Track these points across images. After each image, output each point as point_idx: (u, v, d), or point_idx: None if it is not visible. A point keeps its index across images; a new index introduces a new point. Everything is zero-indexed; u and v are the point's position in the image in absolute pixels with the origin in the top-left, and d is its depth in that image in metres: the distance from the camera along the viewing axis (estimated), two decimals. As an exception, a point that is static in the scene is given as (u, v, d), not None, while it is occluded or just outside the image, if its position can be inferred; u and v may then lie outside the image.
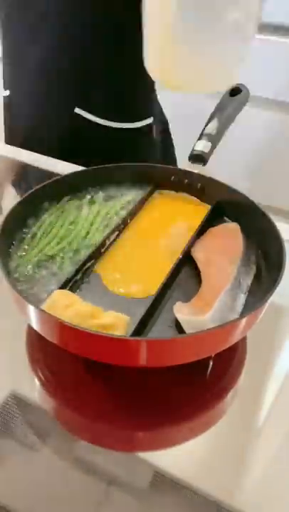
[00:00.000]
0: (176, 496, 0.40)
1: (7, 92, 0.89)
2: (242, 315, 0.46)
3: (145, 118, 0.87)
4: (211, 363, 0.51)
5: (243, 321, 0.43)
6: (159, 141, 0.91)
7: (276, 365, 0.53)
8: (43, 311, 0.41)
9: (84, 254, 0.53)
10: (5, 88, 0.89)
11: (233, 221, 0.61)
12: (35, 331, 0.45)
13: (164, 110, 0.92)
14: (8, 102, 0.89)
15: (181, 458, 0.43)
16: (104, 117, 0.83)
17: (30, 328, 0.51)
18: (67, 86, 0.79)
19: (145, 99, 0.87)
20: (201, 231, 0.58)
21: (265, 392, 0.49)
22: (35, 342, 0.51)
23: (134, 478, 0.41)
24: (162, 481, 0.41)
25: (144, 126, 0.87)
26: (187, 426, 0.46)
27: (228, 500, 0.40)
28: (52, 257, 0.54)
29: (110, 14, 0.74)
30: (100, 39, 0.75)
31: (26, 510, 0.39)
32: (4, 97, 0.90)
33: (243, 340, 0.53)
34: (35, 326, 0.44)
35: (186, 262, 0.54)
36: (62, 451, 0.44)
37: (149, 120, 0.87)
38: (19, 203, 0.56)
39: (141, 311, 0.45)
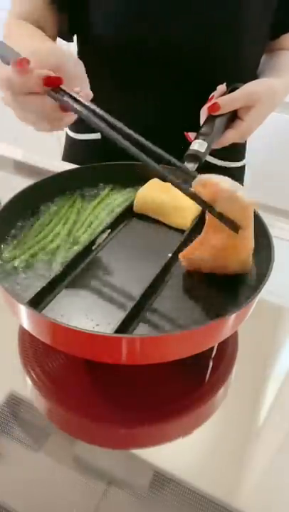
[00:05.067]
0: (176, 495, 0.40)
1: (98, 135, 0.85)
2: (226, 315, 0.45)
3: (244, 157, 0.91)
4: (211, 362, 0.51)
5: (228, 320, 0.42)
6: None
7: (276, 364, 0.53)
8: (30, 309, 0.41)
9: (73, 252, 0.54)
10: (87, 131, 0.85)
11: None
12: (27, 330, 0.45)
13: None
14: (100, 145, 0.85)
15: (181, 458, 0.43)
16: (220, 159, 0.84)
17: (22, 328, 0.51)
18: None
19: None
20: (193, 231, 0.58)
21: (265, 392, 0.50)
22: (27, 341, 0.52)
23: (134, 478, 0.41)
24: (162, 481, 0.41)
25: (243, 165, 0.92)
26: (184, 422, 0.46)
27: (228, 500, 0.40)
28: (42, 255, 0.54)
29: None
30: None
31: (25, 510, 0.39)
32: (88, 140, 0.87)
33: (238, 337, 0.54)
34: (24, 324, 0.45)
35: (177, 262, 0.54)
36: (61, 450, 0.44)
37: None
38: (12, 200, 0.56)
39: (128, 307, 0.45)
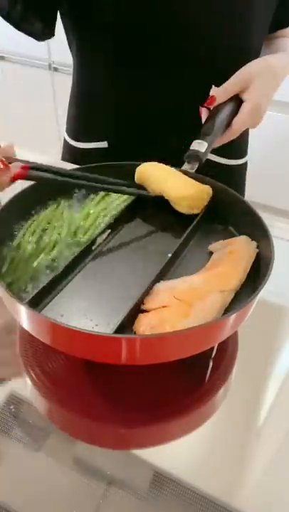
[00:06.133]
0: (176, 495, 0.40)
1: (104, 144, 0.84)
2: (226, 314, 0.45)
3: (246, 154, 0.90)
4: (211, 362, 0.51)
5: (228, 320, 0.42)
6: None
7: (276, 364, 0.53)
8: (30, 309, 0.41)
9: (75, 251, 0.53)
10: (96, 139, 0.85)
11: (225, 220, 0.61)
12: (27, 330, 0.45)
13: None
14: (105, 153, 0.85)
15: (181, 458, 0.43)
16: (219, 155, 0.83)
17: (22, 328, 0.51)
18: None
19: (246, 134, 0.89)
20: (193, 231, 0.58)
21: (265, 392, 0.50)
22: (27, 341, 0.52)
23: (134, 478, 0.41)
24: (162, 481, 0.41)
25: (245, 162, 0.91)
26: (184, 422, 0.46)
27: (228, 500, 0.40)
28: (42, 256, 0.54)
29: None
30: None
31: (25, 510, 0.39)
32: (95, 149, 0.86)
33: (238, 337, 0.54)
34: (24, 324, 0.44)
35: (178, 260, 0.54)
36: (61, 450, 0.44)
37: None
38: (12, 200, 0.56)
39: (127, 307, 0.45)
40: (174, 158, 0.63)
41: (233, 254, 0.52)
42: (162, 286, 0.49)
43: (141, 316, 0.45)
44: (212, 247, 0.56)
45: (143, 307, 0.46)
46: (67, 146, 0.92)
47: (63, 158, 0.94)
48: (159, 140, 0.80)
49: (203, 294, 0.47)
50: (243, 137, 0.86)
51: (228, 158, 0.85)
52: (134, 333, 0.44)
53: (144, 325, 0.44)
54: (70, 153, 0.91)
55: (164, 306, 0.45)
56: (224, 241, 0.55)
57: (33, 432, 0.44)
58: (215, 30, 0.69)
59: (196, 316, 0.44)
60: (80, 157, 0.88)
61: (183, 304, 0.46)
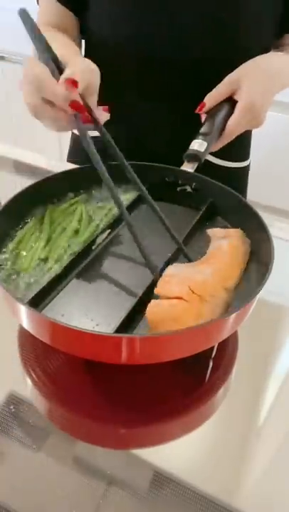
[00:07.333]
0: (176, 495, 0.40)
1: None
2: (227, 313, 0.45)
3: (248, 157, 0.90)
4: (211, 362, 0.51)
5: (228, 319, 0.42)
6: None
7: (276, 363, 0.53)
8: (30, 309, 0.41)
9: (75, 251, 0.54)
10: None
11: (225, 220, 0.61)
12: (27, 330, 0.45)
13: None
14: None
15: (181, 458, 0.43)
16: (220, 157, 0.83)
17: (22, 328, 0.51)
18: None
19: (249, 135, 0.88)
20: (194, 231, 0.58)
21: (265, 392, 0.50)
22: (27, 341, 0.52)
23: (134, 478, 0.41)
24: (162, 481, 0.41)
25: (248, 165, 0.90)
26: (184, 422, 0.46)
27: (228, 500, 0.40)
28: (42, 256, 0.54)
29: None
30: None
31: (25, 510, 0.39)
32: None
33: (238, 337, 0.54)
34: (24, 324, 0.45)
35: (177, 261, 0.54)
36: (61, 450, 0.44)
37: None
38: (12, 200, 0.56)
39: (128, 307, 0.45)
40: (174, 158, 0.63)
41: (232, 248, 0.53)
42: (174, 270, 0.49)
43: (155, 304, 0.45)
44: (211, 231, 0.57)
45: (156, 291, 0.46)
46: (73, 136, 0.93)
47: (70, 150, 0.94)
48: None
49: (213, 289, 0.47)
50: (243, 140, 0.86)
51: (228, 161, 0.85)
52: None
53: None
54: (75, 144, 0.92)
55: (178, 297, 0.45)
56: (223, 229, 0.57)
57: (33, 432, 0.44)
58: (212, 41, 0.69)
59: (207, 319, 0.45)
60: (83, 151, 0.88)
61: (197, 301, 0.46)
